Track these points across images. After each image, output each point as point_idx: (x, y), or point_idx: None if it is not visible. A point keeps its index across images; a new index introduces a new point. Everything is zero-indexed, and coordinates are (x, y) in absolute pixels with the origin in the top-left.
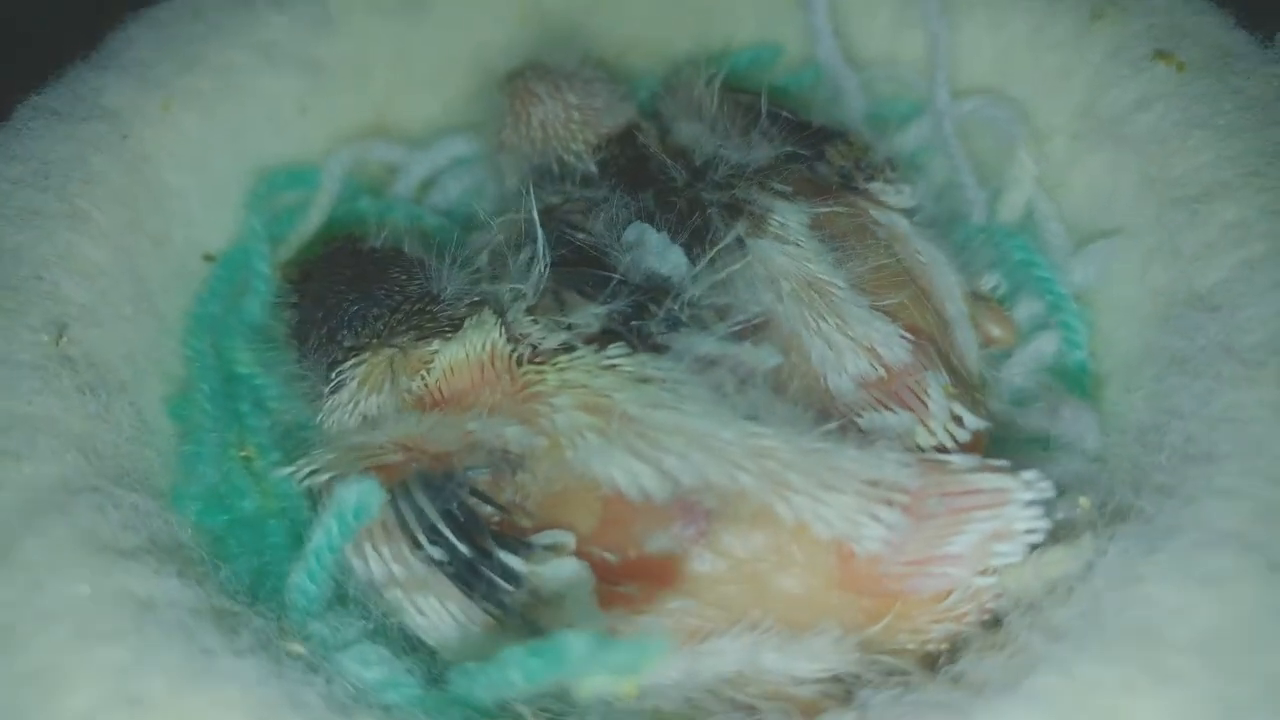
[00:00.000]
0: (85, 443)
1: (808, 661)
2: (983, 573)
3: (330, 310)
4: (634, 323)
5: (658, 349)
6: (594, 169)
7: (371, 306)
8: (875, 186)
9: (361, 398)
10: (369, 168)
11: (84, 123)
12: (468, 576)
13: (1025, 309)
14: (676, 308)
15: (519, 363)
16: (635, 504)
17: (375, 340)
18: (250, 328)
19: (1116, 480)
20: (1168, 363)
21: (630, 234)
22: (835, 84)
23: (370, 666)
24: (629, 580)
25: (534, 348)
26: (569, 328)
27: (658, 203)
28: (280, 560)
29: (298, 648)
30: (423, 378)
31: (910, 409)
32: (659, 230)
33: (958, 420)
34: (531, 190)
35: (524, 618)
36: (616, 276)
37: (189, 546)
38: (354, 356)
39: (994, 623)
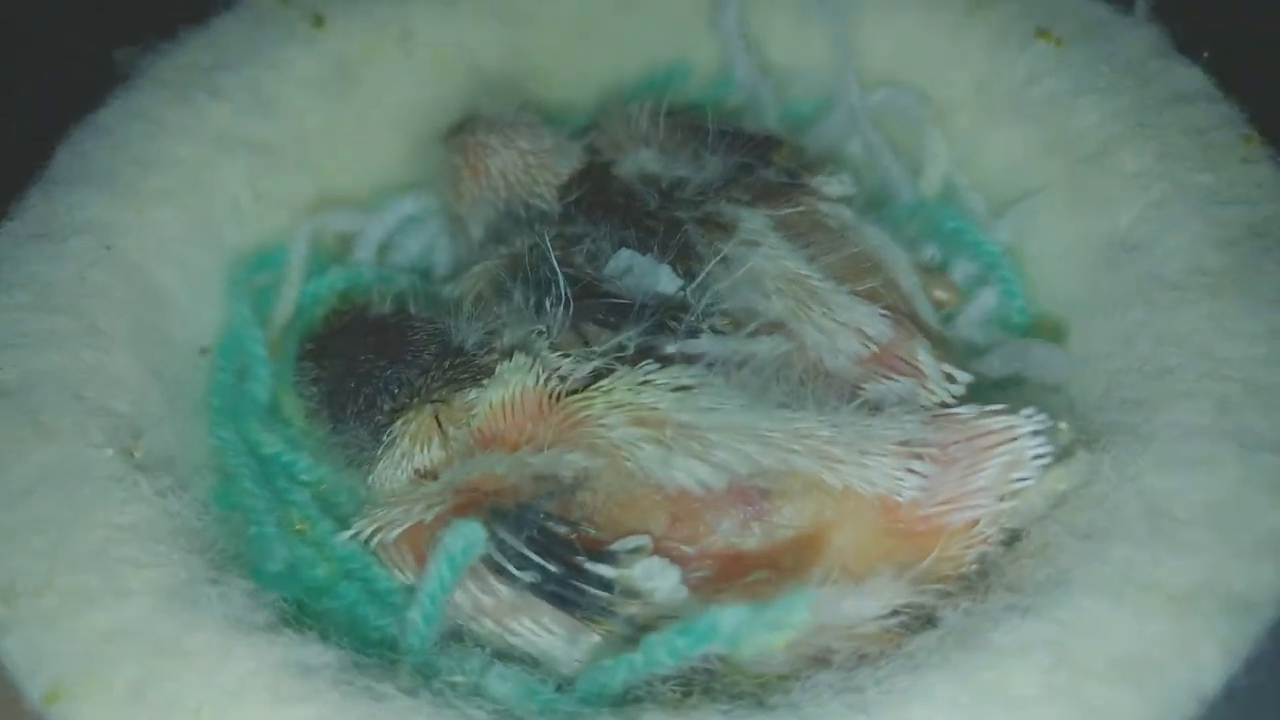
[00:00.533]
0: (186, 541)
1: (874, 600)
2: (1003, 499)
3: (363, 378)
4: (657, 340)
5: (684, 360)
6: (559, 210)
7: (404, 370)
8: (818, 181)
9: (414, 453)
10: (325, 239)
11: (68, 241)
12: (563, 593)
13: (961, 271)
14: (694, 320)
15: (557, 397)
16: (699, 499)
17: (416, 399)
18: (260, 409)
19: (1088, 405)
20: (1107, 299)
21: (618, 262)
22: (751, 93)
23: (508, 682)
24: (706, 566)
25: (563, 379)
26: (598, 356)
27: (636, 229)
28: (362, 616)
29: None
30: (467, 426)
31: (908, 375)
32: (644, 254)
33: (950, 378)
34: (543, 235)
35: (623, 618)
36: (627, 302)
37: (300, 617)
38: (398, 417)
39: (1014, 539)
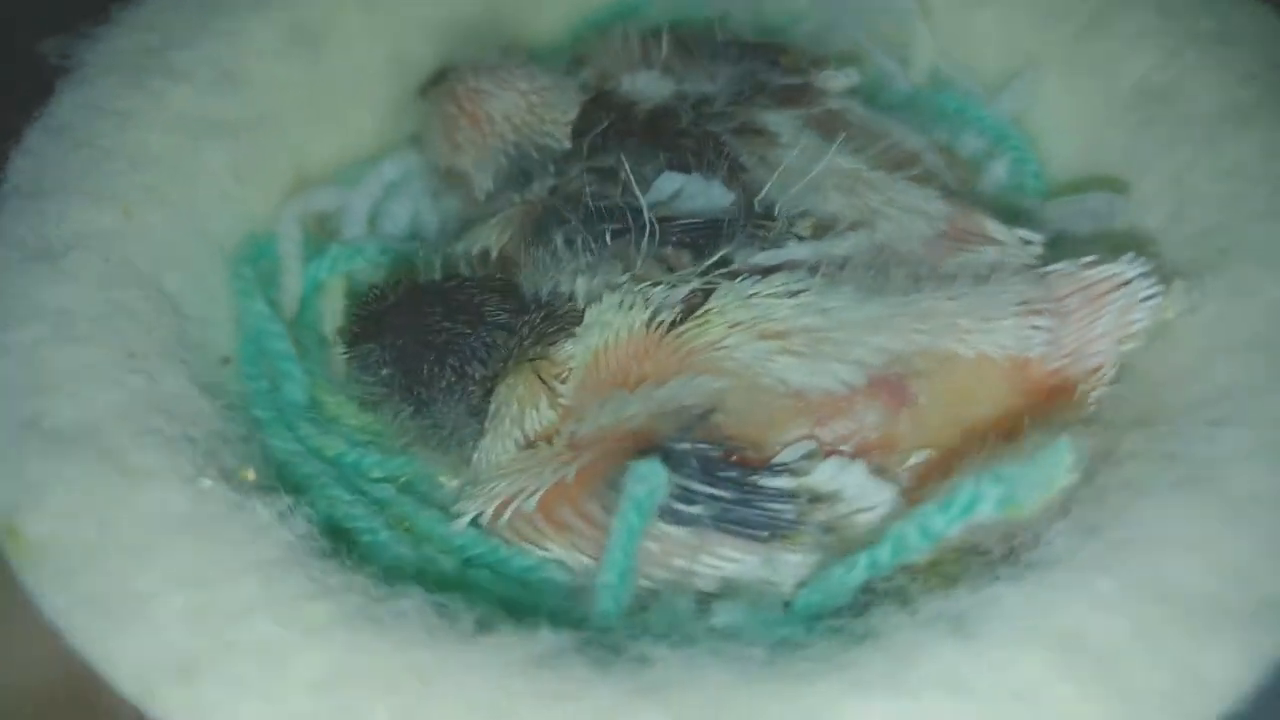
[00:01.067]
0: (331, 563)
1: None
2: (1122, 342)
3: (445, 349)
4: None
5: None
6: (584, 145)
7: (489, 332)
8: (825, 77)
9: (523, 417)
10: (308, 220)
11: (65, 258)
12: (747, 516)
13: (966, 150)
14: (781, 228)
15: (663, 329)
16: (842, 399)
17: (510, 361)
18: (302, 411)
19: (1157, 244)
20: (1146, 147)
21: (664, 186)
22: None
23: (737, 613)
24: (867, 460)
25: (663, 311)
26: (696, 278)
27: (671, 151)
28: (514, 600)
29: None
30: (571, 379)
31: (985, 244)
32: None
33: (1026, 241)
34: (581, 171)
35: (815, 526)
36: (709, 220)
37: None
38: (495, 384)
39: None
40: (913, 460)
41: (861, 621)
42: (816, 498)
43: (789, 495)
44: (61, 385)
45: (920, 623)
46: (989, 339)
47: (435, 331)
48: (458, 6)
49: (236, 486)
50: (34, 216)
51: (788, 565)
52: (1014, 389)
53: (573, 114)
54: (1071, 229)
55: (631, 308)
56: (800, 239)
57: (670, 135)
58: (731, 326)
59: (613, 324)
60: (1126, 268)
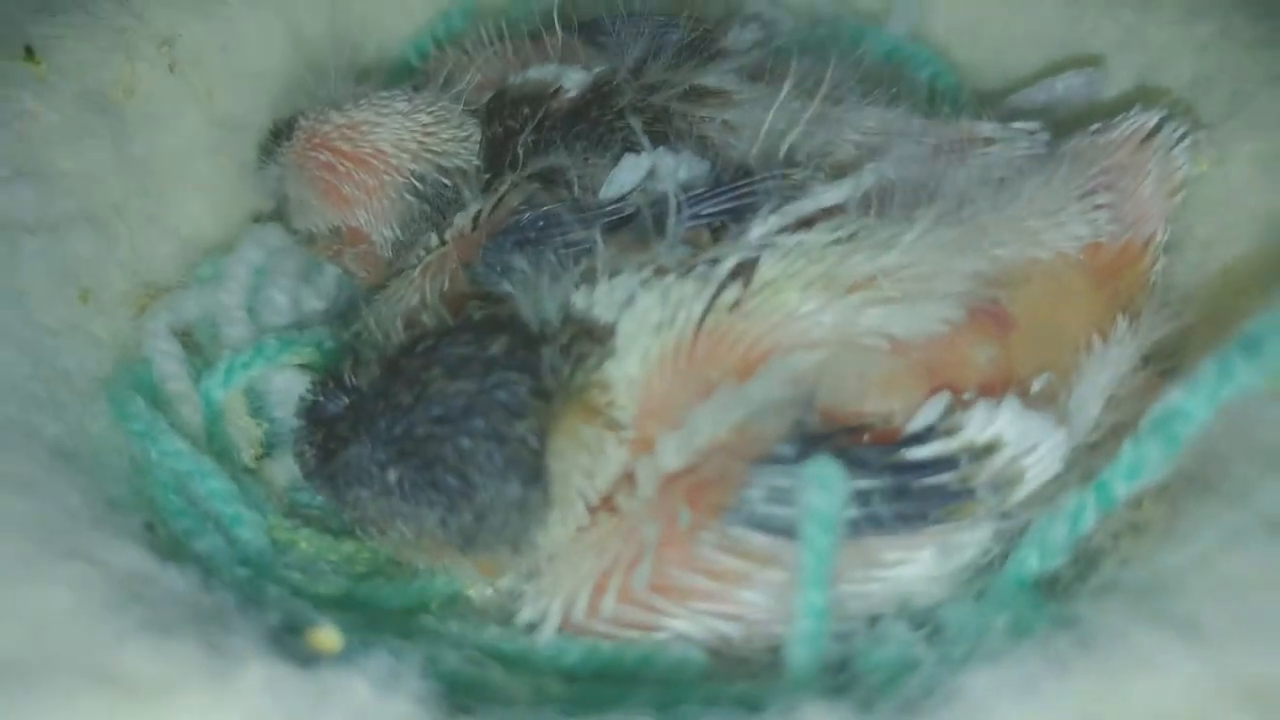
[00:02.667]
0: None
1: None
2: (1173, 194)
3: (466, 416)
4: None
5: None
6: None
7: (510, 378)
8: (733, 34)
9: (594, 466)
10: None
11: None
12: (903, 504)
13: None
14: (807, 175)
15: (722, 314)
16: (945, 340)
17: (553, 404)
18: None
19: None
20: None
21: (630, 170)
22: None
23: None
24: (990, 394)
25: (713, 296)
26: (736, 251)
27: (617, 135)
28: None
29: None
30: (627, 406)
31: (987, 146)
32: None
33: (1029, 131)
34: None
35: (985, 488)
36: (730, 188)
37: None
38: (543, 439)
39: None
40: (1037, 387)
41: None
42: (977, 454)
43: (946, 461)
44: None
45: None
46: (1062, 233)
47: (444, 399)
48: (275, 52)
49: (304, 664)
50: None
51: (964, 549)
52: (1092, 280)
53: (468, 129)
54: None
55: (676, 301)
56: (826, 182)
57: (611, 118)
58: (805, 288)
59: (660, 326)
60: (1148, 116)
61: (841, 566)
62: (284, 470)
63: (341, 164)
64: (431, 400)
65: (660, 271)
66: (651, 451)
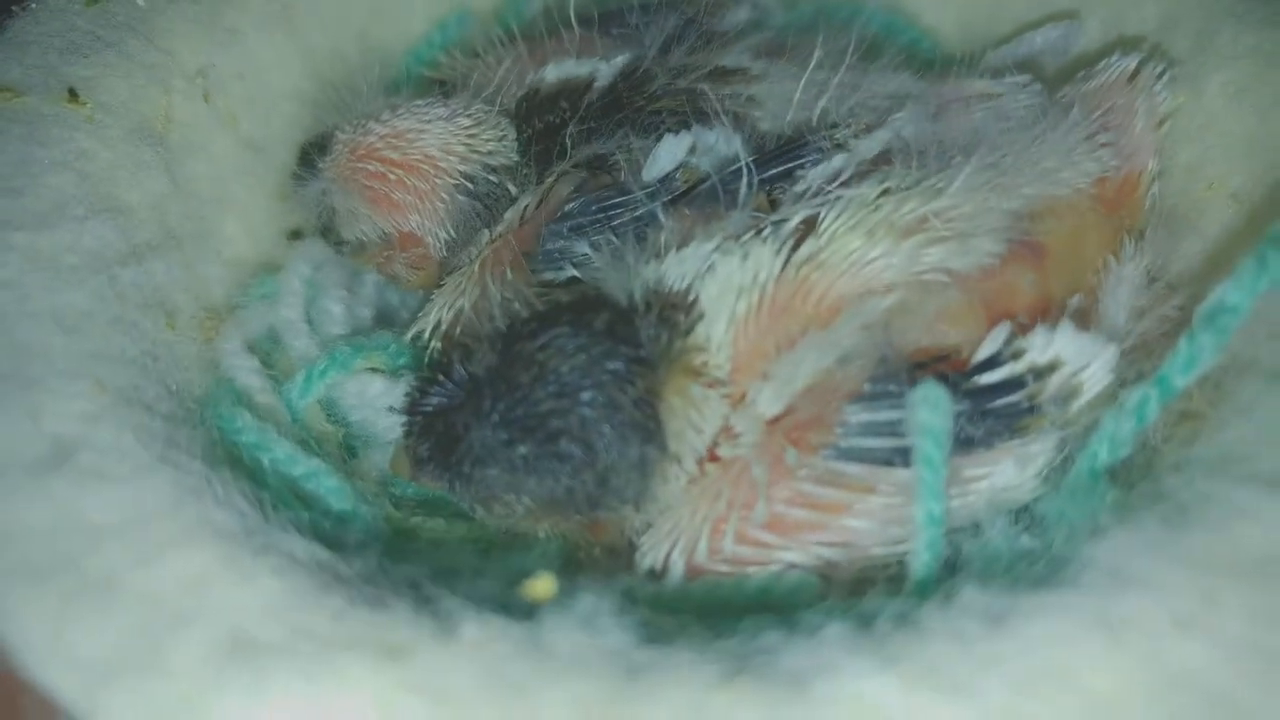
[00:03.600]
0: None
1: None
2: (1160, 125)
3: (585, 390)
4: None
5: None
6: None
7: (618, 350)
8: (729, 15)
9: (703, 421)
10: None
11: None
12: (985, 424)
13: None
14: (844, 134)
15: (796, 267)
16: (993, 272)
17: (659, 371)
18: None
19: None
20: None
21: (672, 149)
22: None
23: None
24: (1037, 318)
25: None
26: (804, 207)
27: (655, 119)
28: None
29: None
30: (722, 364)
31: (985, 100)
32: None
33: (1022, 84)
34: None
35: (1051, 401)
36: (789, 150)
37: None
38: (652, 405)
39: None
40: (1073, 307)
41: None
42: (1040, 373)
43: (1015, 383)
44: None
45: None
46: (1076, 171)
47: (560, 376)
48: (291, 75)
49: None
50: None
51: (1036, 457)
52: (1102, 210)
53: (505, 129)
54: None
55: (754, 263)
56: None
57: (644, 103)
58: (869, 236)
59: (742, 288)
60: (1129, 60)
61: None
62: (372, 468)
63: (392, 172)
64: (548, 378)
65: (730, 237)
66: (747, 403)
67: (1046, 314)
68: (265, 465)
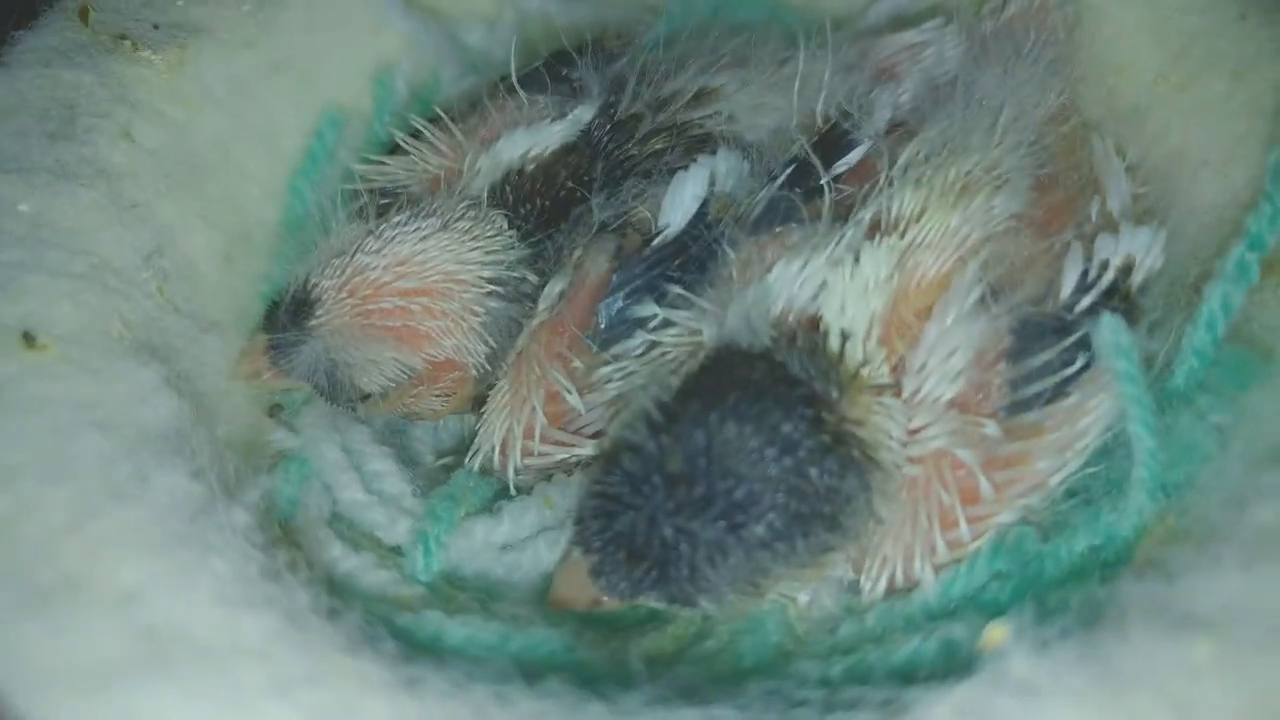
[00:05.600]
0: None
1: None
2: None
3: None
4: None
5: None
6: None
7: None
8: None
9: (893, 430)
10: None
11: None
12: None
13: None
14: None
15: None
16: (1037, 200)
17: (839, 410)
18: None
19: None
20: None
21: (693, 181)
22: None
23: None
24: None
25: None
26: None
27: (663, 158)
28: None
29: None
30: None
31: (919, 50)
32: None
33: (936, 27)
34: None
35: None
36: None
37: None
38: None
39: None
40: (1094, 211)
41: None
42: (1122, 274)
43: (1112, 290)
44: None
45: None
46: (1051, 92)
47: (753, 444)
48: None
49: None
50: None
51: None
52: (1072, 115)
53: (496, 219)
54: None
55: (865, 267)
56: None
57: (634, 147)
58: (942, 204)
59: (866, 290)
60: None
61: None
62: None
63: (414, 302)
64: (743, 449)
65: (817, 248)
66: (921, 397)
67: (1083, 223)
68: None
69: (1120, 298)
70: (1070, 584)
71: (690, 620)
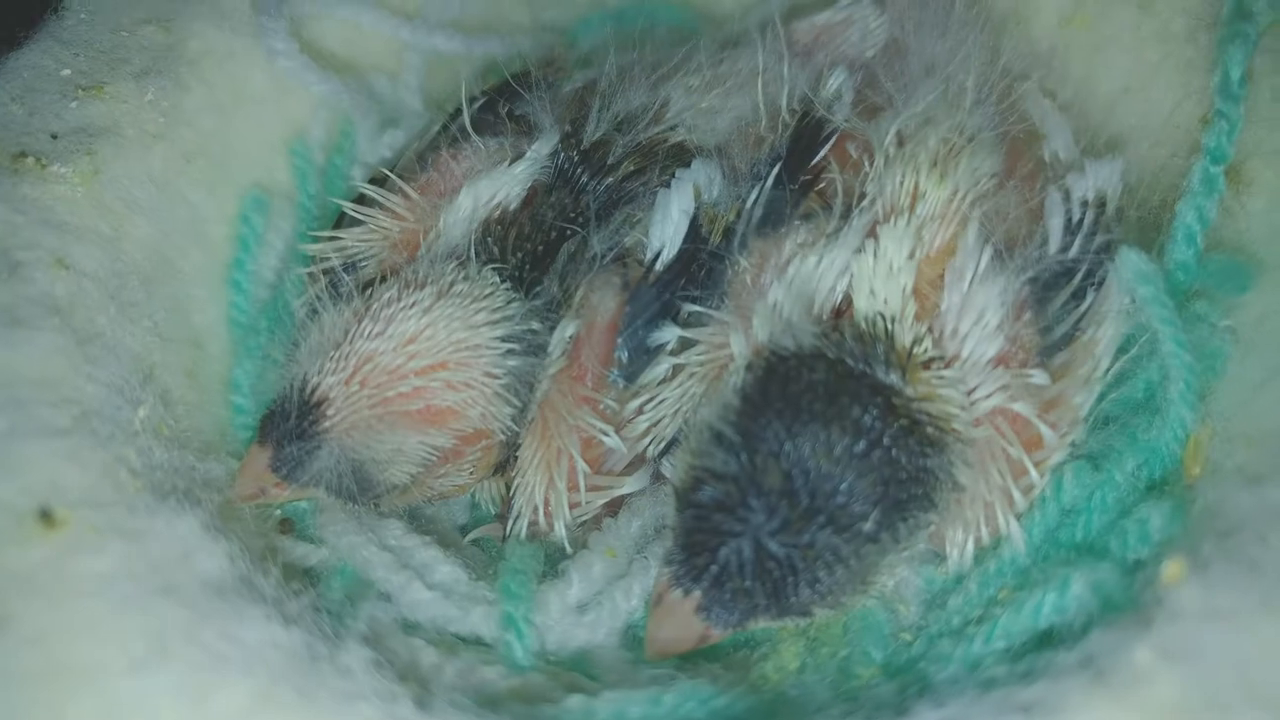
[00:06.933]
0: None
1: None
2: None
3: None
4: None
5: None
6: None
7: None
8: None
9: (960, 401)
10: None
11: None
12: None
13: None
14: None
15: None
16: (1006, 153)
17: (906, 393)
18: None
19: None
20: None
21: (679, 196)
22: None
23: None
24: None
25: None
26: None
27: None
28: None
29: None
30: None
31: (849, 29)
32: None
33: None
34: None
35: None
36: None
37: None
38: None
39: None
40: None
41: None
42: (1099, 205)
43: (1095, 223)
44: None
45: None
46: (981, 47)
47: (838, 444)
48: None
49: None
50: None
51: None
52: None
53: (488, 274)
54: None
55: (883, 248)
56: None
57: (613, 174)
58: (932, 175)
59: (892, 272)
60: None
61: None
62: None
63: (432, 379)
64: (830, 451)
65: (831, 240)
66: (970, 360)
67: (1046, 170)
68: None
69: (1104, 230)
70: (1150, 504)
71: (797, 632)
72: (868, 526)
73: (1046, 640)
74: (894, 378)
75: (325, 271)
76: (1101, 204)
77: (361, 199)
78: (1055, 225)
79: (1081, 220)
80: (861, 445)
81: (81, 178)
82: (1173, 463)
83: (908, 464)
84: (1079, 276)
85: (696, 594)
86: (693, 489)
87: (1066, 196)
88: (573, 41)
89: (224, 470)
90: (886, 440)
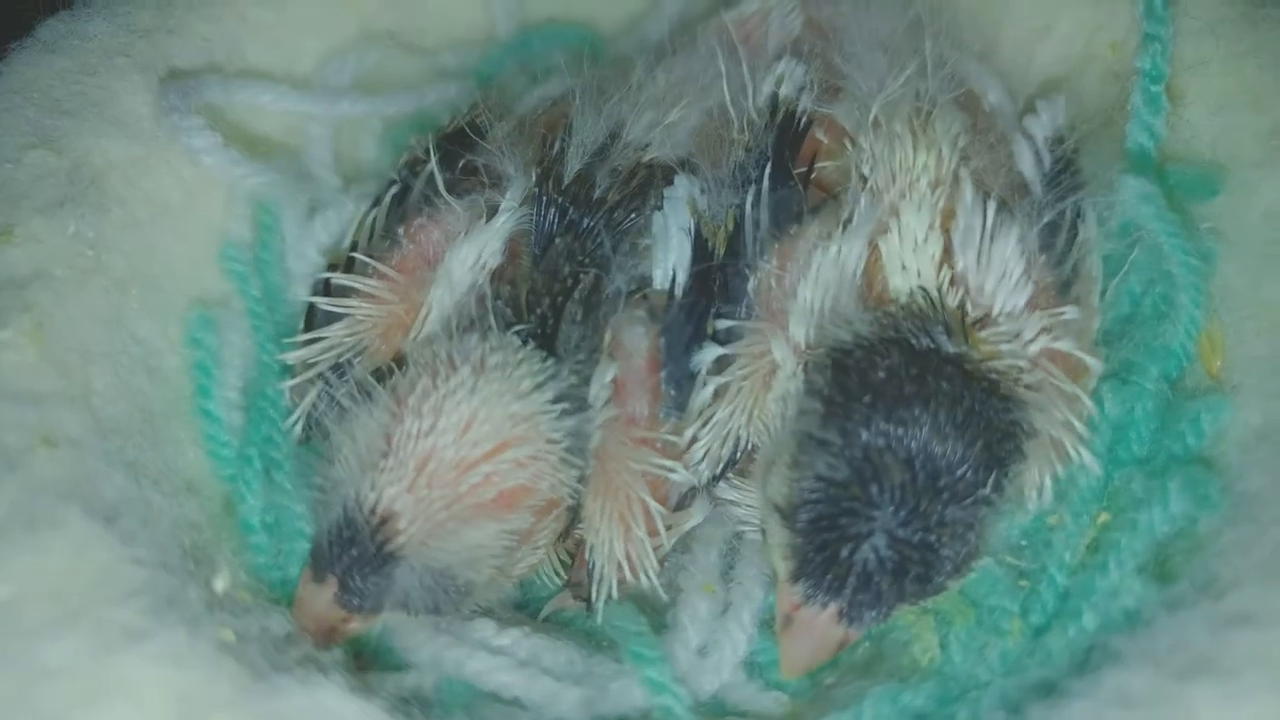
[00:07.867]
0: None
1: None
2: None
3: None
4: None
5: None
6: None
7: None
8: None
9: (1013, 355)
10: None
11: None
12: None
13: None
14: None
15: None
16: (967, 109)
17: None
18: None
19: None
20: None
21: (673, 217)
22: None
23: None
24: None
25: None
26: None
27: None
28: None
29: None
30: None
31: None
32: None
33: None
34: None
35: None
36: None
37: None
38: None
39: None
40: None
41: None
42: (1061, 140)
43: (1069, 162)
44: None
45: None
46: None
47: (935, 421)
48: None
49: None
50: None
51: None
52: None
53: (508, 335)
54: None
55: (906, 224)
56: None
57: (603, 207)
58: (917, 145)
59: (917, 247)
60: None
61: None
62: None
63: (499, 465)
64: (939, 430)
65: (847, 228)
66: (1006, 312)
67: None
68: None
69: (1069, 165)
70: (1194, 402)
71: (917, 611)
72: (985, 491)
73: None
74: (957, 345)
75: (318, 377)
76: (1060, 140)
77: (329, 289)
78: (1028, 169)
79: (1052, 160)
80: (960, 416)
81: (28, 338)
82: (1189, 360)
83: (1000, 423)
84: (1069, 212)
85: (836, 604)
86: (806, 502)
87: (1031, 141)
88: (485, 81)
89: (286, 620)
90: (977, 406)
